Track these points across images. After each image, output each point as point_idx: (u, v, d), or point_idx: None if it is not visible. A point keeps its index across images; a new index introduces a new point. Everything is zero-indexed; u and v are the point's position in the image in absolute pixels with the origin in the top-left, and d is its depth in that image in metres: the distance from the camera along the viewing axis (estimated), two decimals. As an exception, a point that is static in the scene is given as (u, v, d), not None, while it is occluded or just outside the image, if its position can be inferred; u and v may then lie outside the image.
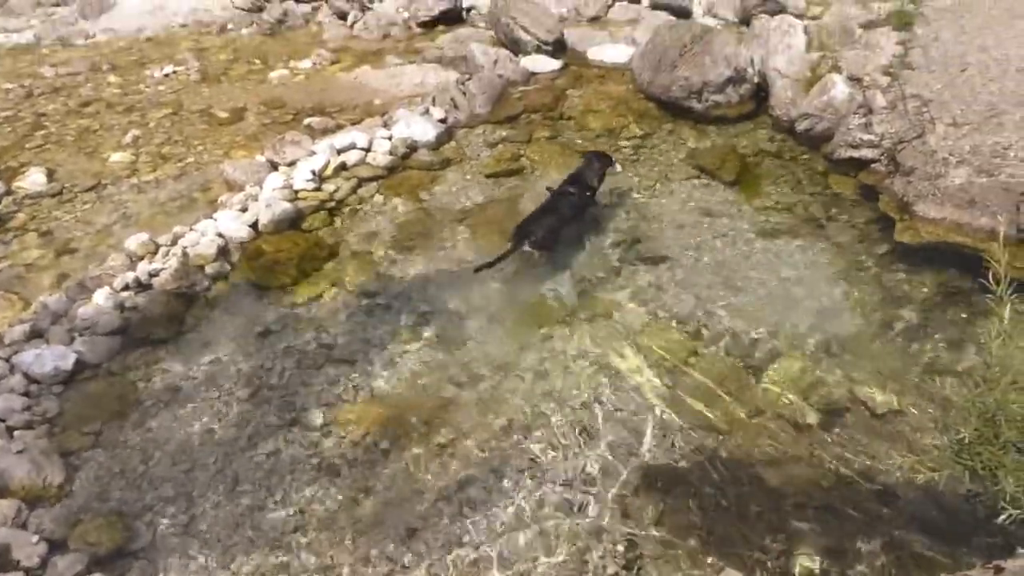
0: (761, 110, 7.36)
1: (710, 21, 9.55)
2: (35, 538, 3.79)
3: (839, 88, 6.56)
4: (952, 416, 3.00)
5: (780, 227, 5.82)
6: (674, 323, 5.04)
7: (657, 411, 4.43)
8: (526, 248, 5.41)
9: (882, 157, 5.92)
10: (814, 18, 8.74)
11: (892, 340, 4.72)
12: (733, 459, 4.12)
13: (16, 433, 4.38)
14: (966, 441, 2.84)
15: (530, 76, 8.56)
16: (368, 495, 4.11)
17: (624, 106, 7.73)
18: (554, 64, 8.74)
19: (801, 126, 6.73)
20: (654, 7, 10.35)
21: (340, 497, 4.10)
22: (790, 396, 4.44)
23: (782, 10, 8.97)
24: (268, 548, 3.85)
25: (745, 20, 9.26)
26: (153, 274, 5.53)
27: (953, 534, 3.52)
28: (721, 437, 4.25)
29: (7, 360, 4.84)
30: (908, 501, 3.71)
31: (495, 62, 8.51)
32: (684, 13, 10.08)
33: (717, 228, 5.90)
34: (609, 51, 8.93)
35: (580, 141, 7.19)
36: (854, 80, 6.63)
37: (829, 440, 4.15)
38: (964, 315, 4.75)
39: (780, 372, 4.59)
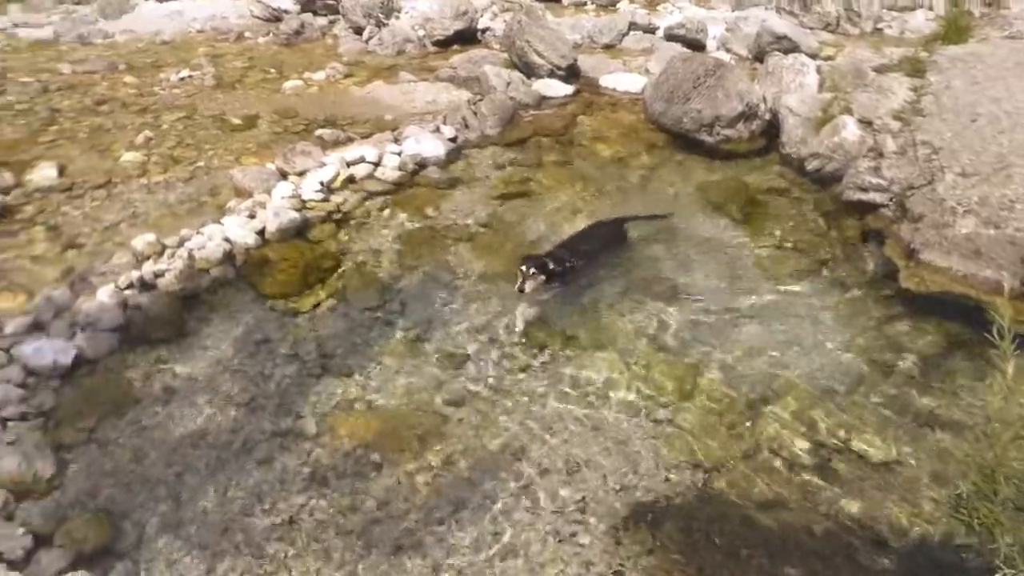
0: (771, 147, 7.42)
1: (724, 55, 9.67)
2: (21, 531, 3.75)
3: (850, 130, 6.60)
4: (950, 469, 2.98)
5: (785, 266, 5.83)
6: (674, 356, 5.03)
7: (652, 444, 4.41)
8: None
9: (890, 202, 5.94)
10: (827, 59, 8.86)
11: (892, 388, 4.70)
12: (726, 497, 4.10)
13: (10, 424, 4.35)
14: (964, 496, 2.82)
15: (541, 100, 8.64)
16: (357, 509, 4.07)
17: (634, 135, 7.79)
18: (566, 89, 8.81)
19: (811, 165, 6.77)
20: (668, 38, 10.50)
21: (330, 509, 4.06)
22: (786, 438, 4.42)
23: (795, 49, 9.09)
24: (254, 556, 3.81)
25: (759, 57, 9.40)
26: (158, 274, 5.52)
27: (944, 589, 3.51)
28: (715, 474, 4.22)
29: (6, 351, 4.80)
30: (901, 553, 3.67)
31: (508, 84, 8.57)
32: (698, 46, 10.23)
33: (721, 264, 5.91)
34: (622, 79, 9.01)
35: (590, 168, 7.20)
36: (865, 123, 6.67)
37: (823, 485, 4.12)
38: (965, 367, 4.72)
39: (777, 413, 4.57)
